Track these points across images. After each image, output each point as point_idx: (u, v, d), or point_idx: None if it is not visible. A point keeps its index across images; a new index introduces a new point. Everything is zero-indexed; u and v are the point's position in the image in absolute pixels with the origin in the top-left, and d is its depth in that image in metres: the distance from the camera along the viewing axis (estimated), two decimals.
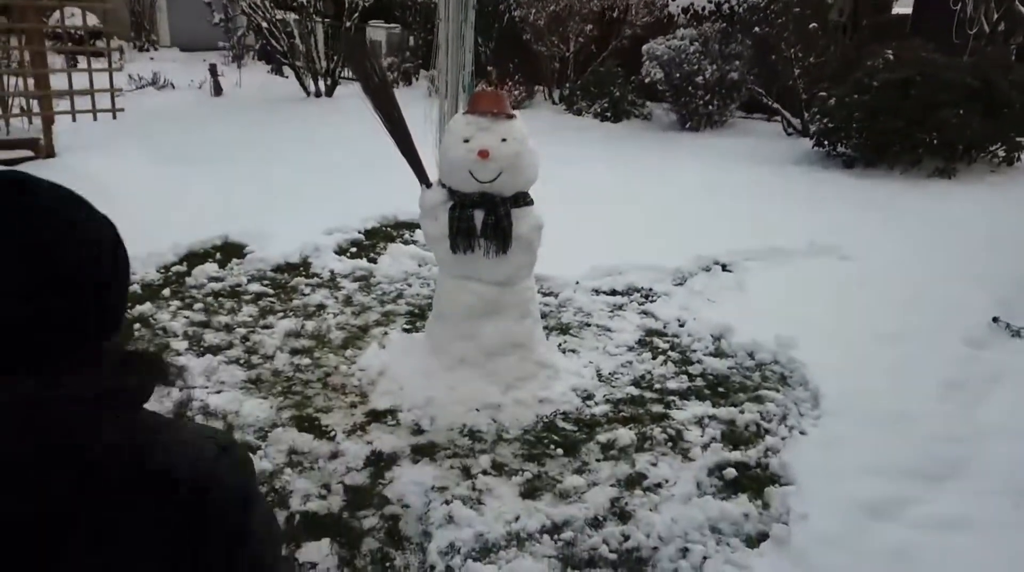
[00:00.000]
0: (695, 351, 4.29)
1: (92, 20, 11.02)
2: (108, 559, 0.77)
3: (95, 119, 6.36)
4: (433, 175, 3.75)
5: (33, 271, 0.75)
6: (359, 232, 6.04)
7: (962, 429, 3.46)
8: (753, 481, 3.14)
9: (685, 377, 4.00)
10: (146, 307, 4.47)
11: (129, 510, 0.79)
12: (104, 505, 0.77)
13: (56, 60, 8.32)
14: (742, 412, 3.63)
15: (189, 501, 0.81)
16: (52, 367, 0.74)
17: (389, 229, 6.23)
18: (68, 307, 0.77)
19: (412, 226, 6.09)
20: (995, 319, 4.54)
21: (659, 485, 3.10)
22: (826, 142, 8.87)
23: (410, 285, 5.13)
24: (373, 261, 5.47)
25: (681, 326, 4.59)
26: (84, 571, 0.77)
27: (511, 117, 3.53)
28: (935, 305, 4.81)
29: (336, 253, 5.56)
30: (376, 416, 3.50)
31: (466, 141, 3.46)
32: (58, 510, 0.75)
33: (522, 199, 3.61)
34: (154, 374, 0.81)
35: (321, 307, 4.67)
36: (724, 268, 5.51)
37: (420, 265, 5.43)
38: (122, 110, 6.48)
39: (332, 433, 3.35)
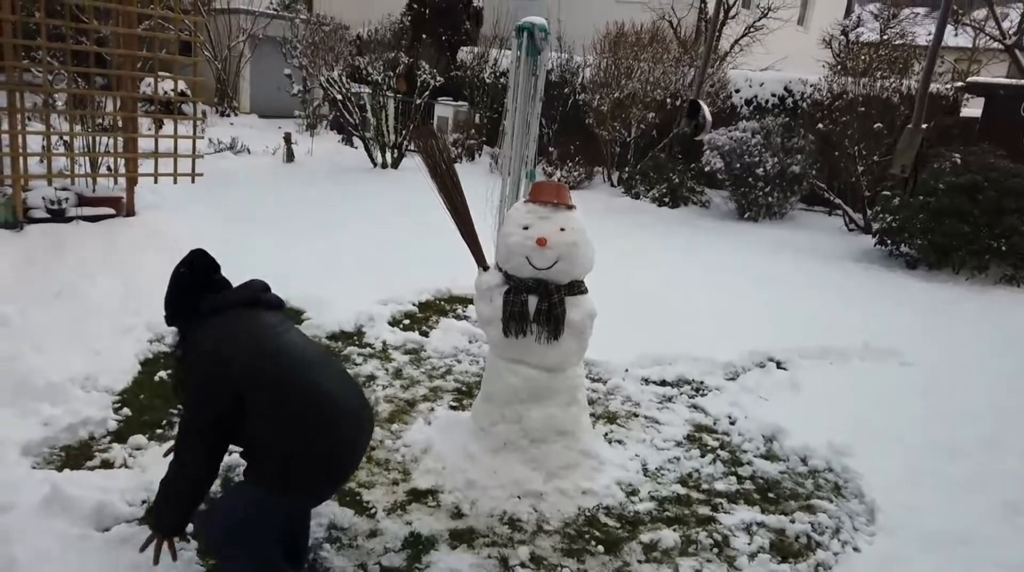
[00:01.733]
0: (745, 452, 4.19)
1: (181, 85, 11.73)
2: None
3: (175, 182, 6.69)
4: (490, 258, 3.83)
5: None
6: (413, 304, 6.14)
7: (1022, 556, 3.27)
8: None
9: (734, 479, 3.89)
10: None
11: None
12: None
13: (143, 122, 8.83)
14: (793, 521, 3.51)
15: None
16: None
17: (442, 302, 6.33)
18: None
19: (465, 301, 6.18)
20: None
21: None
22: (889, 241, 8.75)
23: (459, 361, 5.17)
24: (425, 334, 5.53)
25: (732, 424, 4.50)
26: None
27: (570, 208, 3.60)
28: (999, 419, 4.63)
29: (389, 324, 5.65)
30: (417, 495, 3.49)
31: (525, 228, 3.54)
32: None
33: (576, 287, 3.65)
34: None
35: (371, 378, 4.73)
36: (778, 365, 5.41)
37: (470, 341, 5.47)
38: (201, 174, 6.80)
39: (372, 510, 3.35)
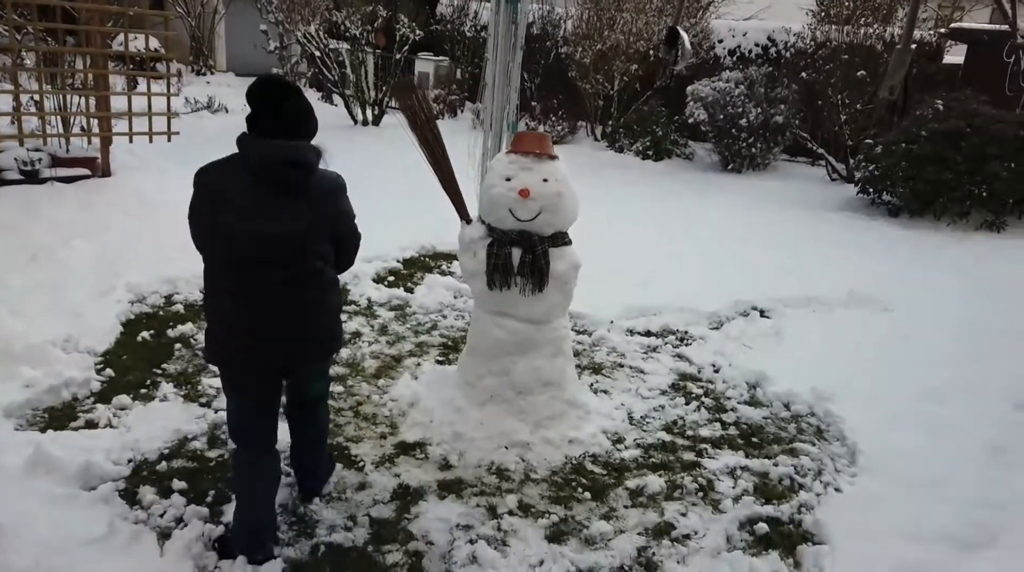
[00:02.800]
0: (729, 398, 4.23)
1: (154, 43, 11.43)
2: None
3: (151, 141, 6.55)
4: (473, 211, 3.79)
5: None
6: (397, 261, 6.11)
7: (1004, 495, 3.35)
8: (785, 538, 3.07)
9: (718, 425, 3.94)
10: (187, 327, 4.56)
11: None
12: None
13: (117, 81, 8.62)
14: (776, 465, 3.56)
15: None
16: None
17: (427, 259, 6.30)
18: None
19: (450, 257, 6.15)
20: None
21: (688, 536, 3.04)
22: (871, 189, 8.75)
23: (445, 316, 5.16)
24: (410, 291, 5.51)
25: (716, 372, 4.54)
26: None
27: (553, 158, 3.56)
28: (980, 363, 4.69)
29: (374, 281, 5.62)
30: (405, 448, 3.51)
31: (508, 180, 3.50)
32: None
33: (560, 239, 3.63)
34: None
35: (356, 335, 4.72)
36: (762, 314, 5.44)
37: (456, 297, 5.46)
38: (177, 133, 6.67)
39: (361, 464, 3.37)
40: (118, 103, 6.66)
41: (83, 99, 6.42)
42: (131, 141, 6.49)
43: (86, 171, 6.14)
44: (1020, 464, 3.61)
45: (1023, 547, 3.00)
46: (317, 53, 12.63)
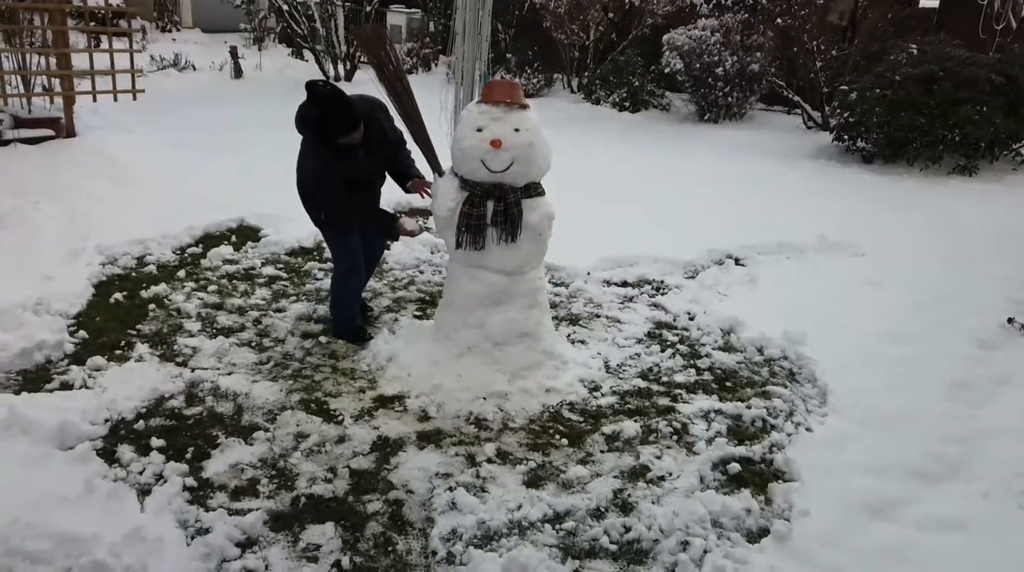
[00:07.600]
0: (704, 345, 4.29)
1: (115, 0, 11.07)
2: None
3: (115, 100, 6.41)
4: (446, 163, 3.76)
5: None
6: None
7: (967, 430, 3.45)
8: (756, 476, 3.15)
9: (693, 371, 4.00)
10: (161, 288, 4.52)
11: None
12: None
13: (79, 40, 8.39)
14: (748, 407, 3.63)
15: None
16: None
17: (403, 215, 6.24)
18: None
19: (426, 213, 6.10)
20: (1010, 320, 4.50)
21: (662, 478, 3.11)
22: (845, 136, 8.77)
23: (422, 272, 5.16)
24: (387, 247, 5.48)
25: (691, 319, 4.59)
26: None
27: (524, 107, 3.53)
28: (948, 304, 4.77)
29: None
30: (384, 402, 3.54)
31: (479, 130, 3.47)
32: None
33: (533, 189, 3.62)
34: None
35: None
36: (737, 262, 5.49)
37: (432, 252, 5.45)
38: (142, 91, 6.53)
39: (340, 417, 3.39)
40: (80, 62, 6.49)
41: (43, 58, 6.25)
42: (95, 100, 6.35)
43: (50, 132, 6.02)
44: (981, 400, 3.72)
45: (983, 478, 3.11)
46: (285, 6, 12.33)
